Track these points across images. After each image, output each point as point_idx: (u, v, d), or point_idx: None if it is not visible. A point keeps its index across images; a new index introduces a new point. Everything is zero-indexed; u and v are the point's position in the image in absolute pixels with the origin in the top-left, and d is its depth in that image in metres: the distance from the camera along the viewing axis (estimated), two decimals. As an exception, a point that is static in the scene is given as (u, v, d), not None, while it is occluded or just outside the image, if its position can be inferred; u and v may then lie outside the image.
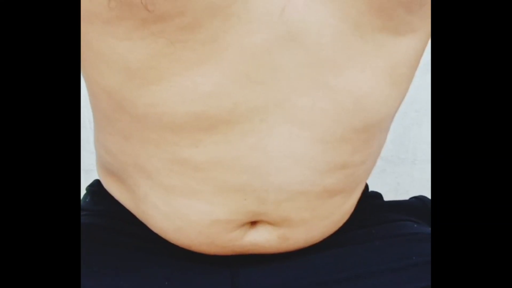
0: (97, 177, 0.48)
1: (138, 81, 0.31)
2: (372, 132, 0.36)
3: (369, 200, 0.47)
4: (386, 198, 0.50)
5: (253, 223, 0.37)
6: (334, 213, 0.38)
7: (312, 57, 0.31)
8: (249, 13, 0.29)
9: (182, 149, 0.33)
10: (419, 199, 0.49)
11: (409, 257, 0.38)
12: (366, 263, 0.38)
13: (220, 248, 0.37)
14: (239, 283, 0.37)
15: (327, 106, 0.32)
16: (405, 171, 1.22)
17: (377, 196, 0.49)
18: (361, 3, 0.30)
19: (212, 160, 0.33)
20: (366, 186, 0.48)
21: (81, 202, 0.47)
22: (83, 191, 0.49)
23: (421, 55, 0.36)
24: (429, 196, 0.49)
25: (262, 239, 0.37)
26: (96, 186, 0.47)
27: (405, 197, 0.51)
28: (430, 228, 0.44)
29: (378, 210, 0.45)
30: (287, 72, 0.31)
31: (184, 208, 0.35)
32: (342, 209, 0.39)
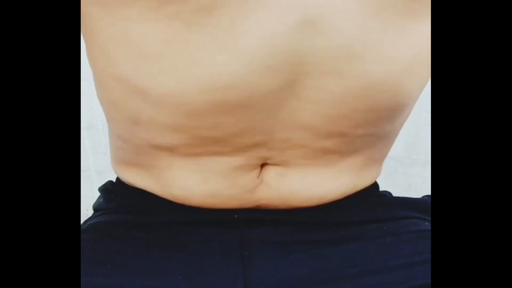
0: (109, 178, 0.49)
1: (151, 68, 0.31)
2: (379, 115, 0.36)
3: (381, 197, 0.47)
4: (398, 199, 0.50)
5: (262, 166, 0.40)
6: (327, 166, 0.40)
7: (329, 42, 0.31)
8: None
9: (201, 131, 0.35)
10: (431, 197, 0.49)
11: (420, 253, 0.38)
12: (377, 259, 0.38)
13: (239, 189, 0.40)
14: (252, 278, 0.37)
15: (335, 89, 0.33)
16: (417, 172, 1.21)
17: (388, 194, 0.49)
18: None
19: (231, 134, 0.35)
20: (377, 186, 0.47)
21: (95, 203, 0.48)
22: (96, 193, 0.49)
23: None
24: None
25: (267, 178, 0.40)
26: (109, 185, 0.48)
27: (417, 197, 0.51)
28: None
29: (390, 207, 0.45)
30: (302, 57, 0.31)
31: (209, 163, 0.38)
32: (336, 166, 0.40)
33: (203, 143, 0.36)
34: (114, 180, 0.48)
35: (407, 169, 1.21)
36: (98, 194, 0.50)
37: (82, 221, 0.48)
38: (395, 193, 0.50)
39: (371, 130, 0.38)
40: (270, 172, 0.40)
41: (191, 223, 0.41)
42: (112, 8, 0.30)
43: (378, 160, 0.44)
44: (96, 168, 1.19)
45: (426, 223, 0.43)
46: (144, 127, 0.36)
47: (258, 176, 0.40)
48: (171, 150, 0.37)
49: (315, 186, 0.40)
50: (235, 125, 0.35)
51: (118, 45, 0.31)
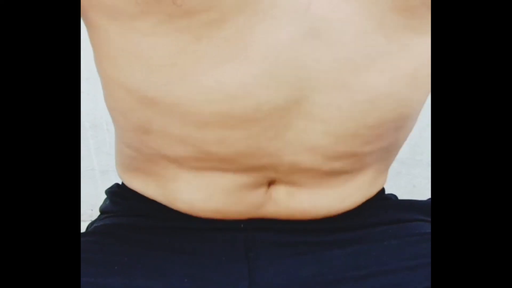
0: (113, 178, 0.49)
1: (160, 79, 0.31)
2: (386, 129, 0.36)
3: (386, 200, 0.47)
4: (402, 200, 0.50)
5: (270, 184, 0.40)
6: (338, 186, 0.40)
7: (334, 55, 0.31)
8: (276, 9, 0.29)
9: (207, 145, 0.35)
10: None
11: (426, 255, 0.38)
12: (382, 261, 0.38)
13: (245, 205, 0.40)
14: (257, 279, 0.37)
15: (343, 104, 0.33)
16: (421, 173, 1.21)
17: (393, 197, 0.49)
18: (385, 1, 0.30)
19: (237, 153, 0.35)
20: (383, 190, 0.48)
21: (102, 205, 0.48)
22: (100, 192, 0.49)
23: None
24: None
25: (275, 195, 0.40)
26: (116, 187, 0.48)
27: (421, 199, 0.51)
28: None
29: (395, 209, 0.45)
30: (308, 70, 0.31)
31: (215, 179, 0.38)
32: (346, 185, 0.40)
33: (209, 159, 0.36)
34: (119, 181, 0.48)
35: (411, 170, 1.21)
36: (102, 193, 0.50)
37: (86, 221, 0.49)
38: (399, 194, 0.50)
39: (378, 145, 0.38)
40: (279, 190, 0.40)
41: (196, 229, 0.41)
42: (123, 21, 0.30)
43: (386, 169, 0.45)
44: (101, 168, 1.19)
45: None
46: (154, 137, 0.36)
47: (266, 193, 0.40)
48: (178, 162, 0.37)
49: (325, 205, 0.40)
50: (241, 143, 0.35)
51: (127, 57, 0.32)
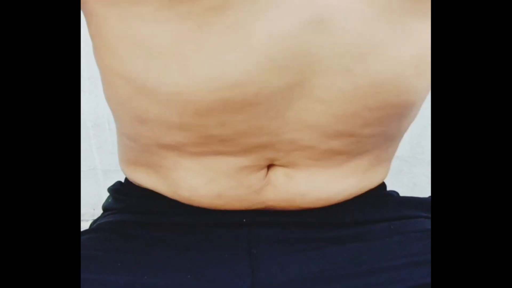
0: (115, 177, 0.49)
1: (160, 67, 0.31)
2: (387, 113, 0.36)
3: (388, 196, 0.47)
4: (403, 198, 0.50)
5: (269, 167, 0.40)
6: (336, 168, 0.40)
7: (337, 42, 0.31)
8: None
9: (208, 129, 0.35)
10: None
11: (426, 252, 0.38)
12: (384, 257, 0.38)
13: (245, 189, 0.40)
14: (260, 276, 0.37)
15: (344, 87, 0.33)
16: (422, 171, 1.21)
17: (395, 193, 0.49)
18: None
19: (238, 133, 0.35)
20: (384, 186, 0.48)
21: (105, 203, 0.48)
22: (102, 191, 0.50)
23: None
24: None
25: (274, 179, 0.40)
26: (118, 185, 0.48)
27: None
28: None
29: (397, 206, 0.45)
30: (310, 57, 0.31)
31: (216, 163, 0.38)
32: (343, 167, 0.40)
33: (210, 142, 0.36)
34: (121, 179, 0.48)
35: (412, 168, 1.21)
36: (104, 192, 0.50)
37: (89, 220, 0.49)
38: (401, 192, 0.50)
39: (378, 129, 0.38)
40: (277, 173, 0.40)
41: (200, 225, 0.42)
42: (122, 6, 0.30)
43: (385, 160, 0.44)
44: (103, 167, 1.19)
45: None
46: (151, 126, 0.36)
47: (265, 177, 0.40)
48: (178, 149, 0.37)
49: (322, 187, 0.40)
50: (242, 124, 0.35)
51: (126, 44, 0.31)
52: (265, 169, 0.40)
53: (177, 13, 0.29)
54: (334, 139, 0.37)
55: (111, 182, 0.50)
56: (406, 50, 0.33)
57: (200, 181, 0.39)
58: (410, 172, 1.21)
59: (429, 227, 0.42)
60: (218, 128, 0.35)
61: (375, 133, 0.38)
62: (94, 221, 0.47)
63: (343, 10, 0.30)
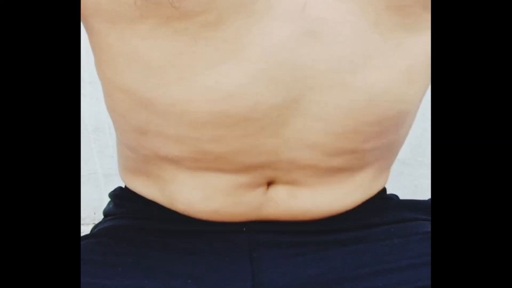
0: (116, 181, 0.49)
1: (158, 79, 0.32)
2: (386, 126, 0.37)
3: (388, 200, 0.47)
4: (404, 200, 0.50)
5: (269, 184, 0.40)
6: (339, 184, 0.40)
7: (331, 54, 0.31)
8: (272, 10, 0.29)
9: (203, 144, 0.35)
10: None
11: (427, 254, 0.38)
12: (385, 260, 0.39)
13: (244, 206, 0.39)
14: (260, 279, 0.38)
15: (341, 102, 0.33)
16: (423, 173, 1.21)
17: (395, 197, 0.49)
18: (380, 0, 0.30)
19: (234, 151, 0.35)
20: (384, 189, 0.48)
21: (106, 208, 0.48)
22: (103, 195, 0.50)
23: None
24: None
25: (275, 196, 0.40)
26: (119, 190, 0.48)
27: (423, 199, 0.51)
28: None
29: (397, 209, 0.45)
30: (305, 70, 0.32)
31: (212, 179, 0.38)
32: (348, 182, 0.40)
33: (206, 159, 0.36)
34: (122, 184, 0.48)
35: (413, 170, 1.21)
36: (105, 196, 0.50)
37: (90, 224, 0.49)
38: (401, 195, 0.50)
39: (379, 143, 0.38)
40: (278, 190, 0.40)
41: (199, 231, 0.42)
42: (122, 25, 0.31)
43: (387, 168, 0.45)
44: (103, 171, 1.19)
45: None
46: (150, 138, 0.36)
47: (265, 194, 0.40)
48: (175, 162, 0.38)
49: (327, 203, 0.40)
50: (237, 141, 0.35)
51: (126, 60, 0.32)
52: (265, 186, 0.40)
53: (174, 30, 0.30)
54: (336, 157, 0.37)
55: (112, 186, 0.50)
56: (398, 61, 0.33)
57: (197, 197, 0.39)
58: (411, 175, 1.21)
59: (429, 229, 0.42)
60: (213, 143, 0.35)
61: (376, 147, 0.38)
62: (95, 226, 0.47)
63: (335, 22, 0.30)
